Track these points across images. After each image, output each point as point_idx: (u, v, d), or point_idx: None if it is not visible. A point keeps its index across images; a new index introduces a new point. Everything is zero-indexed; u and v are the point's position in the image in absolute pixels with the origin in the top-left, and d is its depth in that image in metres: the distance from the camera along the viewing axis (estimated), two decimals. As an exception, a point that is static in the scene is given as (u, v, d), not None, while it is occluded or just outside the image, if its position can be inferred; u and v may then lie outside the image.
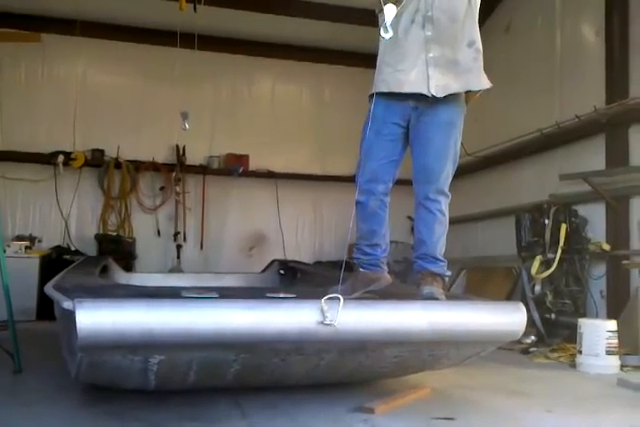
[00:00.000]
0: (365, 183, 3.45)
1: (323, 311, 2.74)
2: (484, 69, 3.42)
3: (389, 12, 3.01)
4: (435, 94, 3.29)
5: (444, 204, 3.46)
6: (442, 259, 3.48)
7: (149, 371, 2.80)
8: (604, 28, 6.43)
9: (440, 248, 3.48)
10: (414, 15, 3.35)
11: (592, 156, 6.42)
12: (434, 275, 3.44)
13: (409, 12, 3.36)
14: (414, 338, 3.05)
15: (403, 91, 3.34)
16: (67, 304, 2.62)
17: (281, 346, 2.85)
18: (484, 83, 3.43)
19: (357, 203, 3.49)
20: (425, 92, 3.29)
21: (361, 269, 3.53)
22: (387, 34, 2.95)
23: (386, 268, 3.61)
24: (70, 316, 2.53)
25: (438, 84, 3.29)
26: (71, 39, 8.54)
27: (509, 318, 3.28)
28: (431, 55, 3.32)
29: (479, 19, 3.48)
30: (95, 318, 2.50)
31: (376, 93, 3.41)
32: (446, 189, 3.46)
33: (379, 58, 3.50)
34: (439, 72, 3.31)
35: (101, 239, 8.34)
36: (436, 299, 3.28)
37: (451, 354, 3.37)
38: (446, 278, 3.55)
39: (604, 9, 6.43)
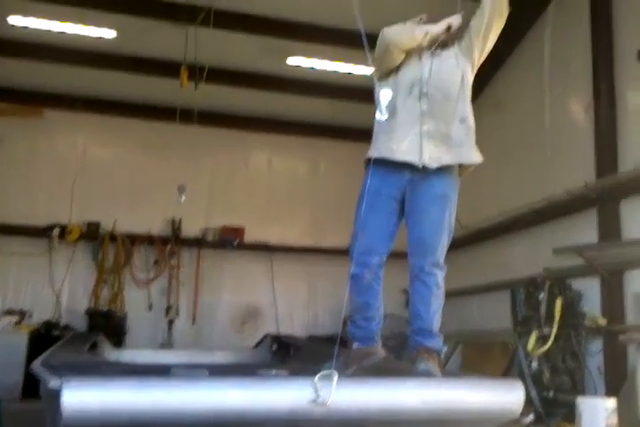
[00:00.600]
0: (360, 256, 3.40)
1: (315, 390, 2.66)
2: (477, 144, 3.50)
3: (385, 96, 3.11)
4: (427, 165, 3.32)
5: (440, 277, 3.41)
6: (438, 334, 3.41)
7: None
8: (592, 105, 6.59)
9: (436, 323, 3.41)
10: (411, 88, 3.43)
11: (584, 229, 6.45)
12: (429, 351, 3.35)
13: (407, 84, 3.44)
14: (410, 417, 2.93)
15: (395, 158, 3.36)
16: (53, 383, 2.54)
17: (272, 424, 2.74)
18: (475, 157, 3.47)
19: (352, 275, 3.43)
20: (417, 162, 3.32)
21: (355, 344, 3.46)
22: (382, 116, 3.04)
23: (380, 341, 3.54)
24: (56, 395, 2.44)
25: (431, 156, 3.33)
26: (72, 115, 8.79)
27: (507, 397, 3.16)
28: (425, 128, 3.37)
29: (471, 95, 3.59)
30: (81, 398, 2.41)
31: (372, 164, 3.39)
32: (442, 262, 3.42)
33: (375, 126, 3.53)
34: (432, 144, 3.36)
35: (92, 314, 8.25)
36: (433, 376, 3.20)
37: None
38: (442, 354, 3.48)
39: (591, 86, 6.61)
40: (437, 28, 3.45)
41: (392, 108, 3.40)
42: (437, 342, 3.40)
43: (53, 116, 8.83)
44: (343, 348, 3.52)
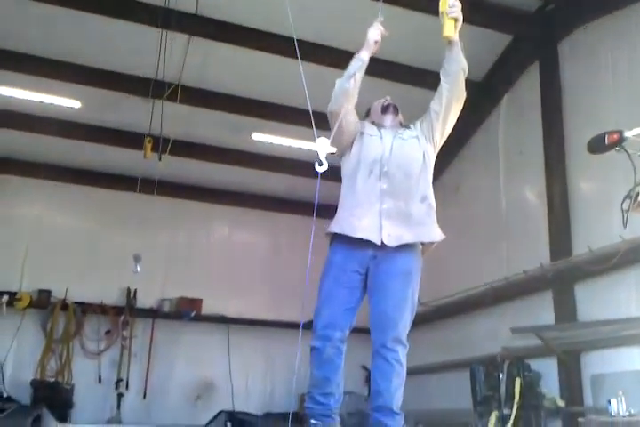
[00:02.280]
0: (322, 329, 3.40)
1: None
2: (438, 223, 3.60)
3: (322, 145, 3.16)
4: (387, 243, 3.37)
5: (402, 354, 3.39)
6: (398, 412, 3.36)
7: None
8: (545, 191, 6.87)
9: (397, 400, 3.36)
10: (372, 167, 3.53)
11: (542, 310, 6.59)
12: None
13: (368, 162, 3.54)
14: None
15: (355, 235, 3.41)
16: None
17: None
18: (436, 235, 3.54)
19: (313, 348, 3.41)
20: (376, 240, 3.37)
21: (312, 422, 3.35)
22: (320, 167, 3.09)
23: (338, 419, 3.46)
24: None
25: (391, 234, 3.39)
26: (32, 180, 8.69)
27: None
28: (385, 207, 3.44)
29: (432, 177, 3.73)
30: None
31: (336, 239, 3.51)
32: (404, 339, 3.41)
33: (339, 201, 3.63)
34: (391, 223, 3.42)
35: (37, 386, 7.85)
36: None
37: None
38: None
39: (544, 173, 6.92)
40: (366, 50, 3.48)
41: (353, 186, 3.51)
42: (398, 422, 3.34)
43: (9, 180, 8.72)
44: (299, 425, 3.43)
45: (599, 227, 6.05)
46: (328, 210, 3.62)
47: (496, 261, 7.43)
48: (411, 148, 3.60)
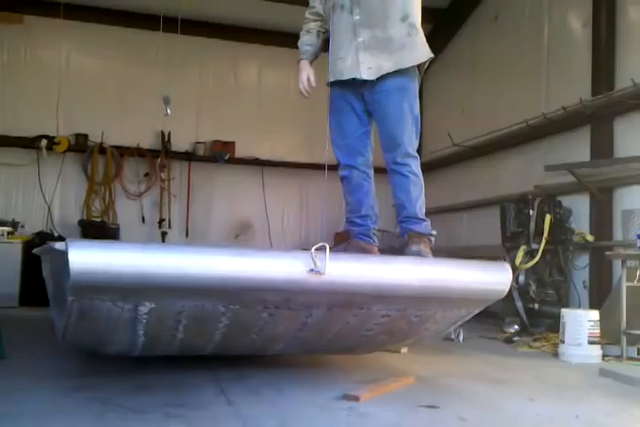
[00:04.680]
0: (345, 159, 3.64)
1: (313, 260, 2.74)
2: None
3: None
4: (367, 78, 3.46)
5: (415, 165, 3.56)
6: (424, 218, 3.58)
7: (139, 323, 2.80)
8: (591, 20, 6.43)
9: (420, 208, 3.57)
10: (343, 1, 3.52)
11: (577, 147, 6.46)
12: (420, 235, 3.53)
13: None
14: (402, 292, 3.04)
15: (343, 78, 3.55)
16: (59, 245, 2.59)
17: (270, 296, 2.84)
18: (418, 57, 3.56)
19: (342, 178, 3.69)
20: (357, 76, 3.48)
21: (354, 239, 3.63)
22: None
23: (376, 241, 3.73)
24: (62, 256, 2.50)
25: (370, 67, 3.46)
26: (54, 22, 8.41)
27: (495, 277, 3.32)
28: (360, 39, 3.47)
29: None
30: (87, 257, 2.49)
31: (332, 86, 3.68)
32: (412, 152, 3.56)
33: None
34: (370, 54, 3.47)
35: (85, 225, 8.26)
36: (424, 257, 3.35)
37: (437, 316, 3.38)
38: (432, 238, 3.59)
39: (591, 1, 6.43)
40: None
41: (333, 28, 3.59)
42: (425, 227, 3.56)
43: (33, 23, 8.49)
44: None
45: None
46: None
47: (533, 97, 7.16)
48: None
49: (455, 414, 2.88)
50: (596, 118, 6.26)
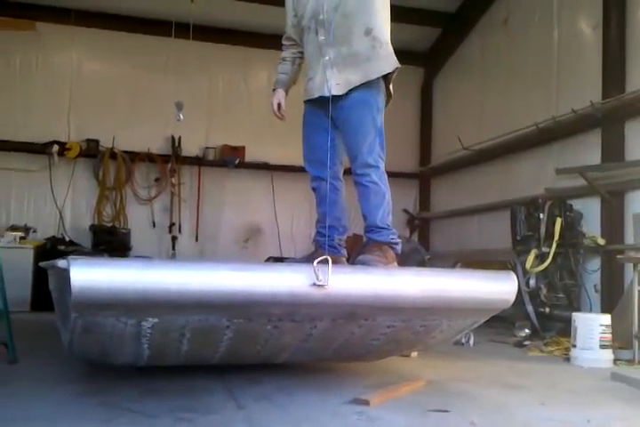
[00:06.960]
0: (314, 171, 3.76)
1: (315, 273, 2.75)
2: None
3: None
4: (335, 93, 3.54)
5: (375, 175, 3.58)
6: (385, 227, 3.57)
7: (143, 337, 2.80)
8: (601, 23, 6.41)
9: (381, 217, 3.57)
10: (309, 22, 3.64)
11: (588, 150, 6.43)
12: (379, 244, 3.53)
13: (306, 19, 3.65)
14: (405, 304, 3.03)
15: (313, 97, 3.68)
16: (61, 263, 2.61)
17: (274, 310, 2.84)
18: (383, 68, 3.62)
19: (312, 189, 3.81)
20: (325, 93, 3.58)
21: (320, 250, 3.62)
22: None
23: (344, 252, 3.79)
24: (64, 274, 2.52)
25: (339, 83, 3.55)
26: (66, 28, 8.50)
27: (500, 287, 3.30)
28: (327, 58, 3.59)
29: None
30: (89, 275, 2.50)
31: (305, 105, 3.82)
32: (373, 162, 3.59)
33: None
34: (337, 71, 3.57)
35: (96, 230, 8.29)
36: (370, 266, 3.33)
37: (443, 325, 3.36)
38: (396, 246, 3.59)
39: (601, 4, 6.41)
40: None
41: (305, 51, 3.74)
42: (385, 235, 3.56)
43: (46, 29, 8.55)
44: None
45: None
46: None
47: (544, 101, 7.14)
48: None
49: (466, 418, 2.86)
50: (607, 121, 6.23)
